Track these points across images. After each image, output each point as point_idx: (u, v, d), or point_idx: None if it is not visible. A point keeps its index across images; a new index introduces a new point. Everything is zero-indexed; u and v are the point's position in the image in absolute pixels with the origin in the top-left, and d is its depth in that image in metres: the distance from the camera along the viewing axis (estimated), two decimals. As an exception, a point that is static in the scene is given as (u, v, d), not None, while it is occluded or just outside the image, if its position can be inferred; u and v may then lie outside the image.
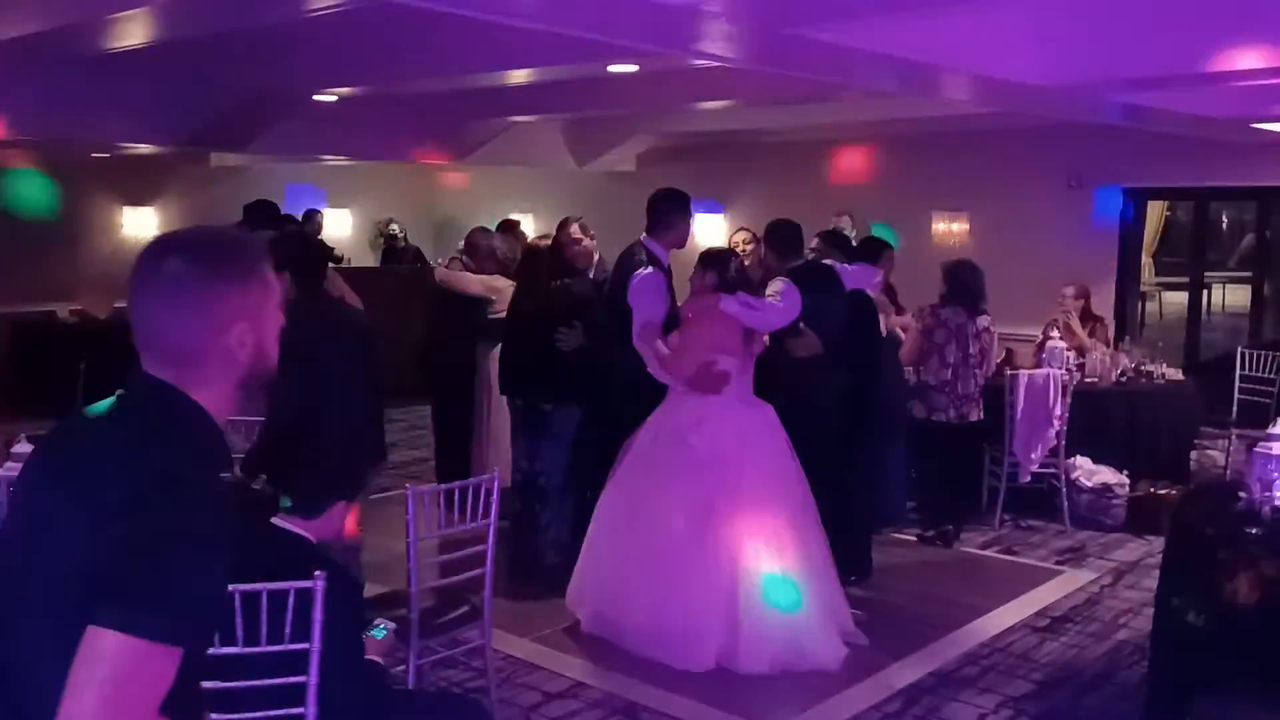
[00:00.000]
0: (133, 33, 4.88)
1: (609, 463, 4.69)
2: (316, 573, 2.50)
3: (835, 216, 8.31)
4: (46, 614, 1.42)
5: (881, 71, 4.55)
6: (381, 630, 2.85)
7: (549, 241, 5.61)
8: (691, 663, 4.24)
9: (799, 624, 4.31)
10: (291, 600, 2.50)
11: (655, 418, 4.57)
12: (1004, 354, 6.87)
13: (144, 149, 8.51)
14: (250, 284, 1.58)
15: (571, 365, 5.00)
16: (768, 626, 4.24)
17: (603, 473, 4.73)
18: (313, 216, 9.86)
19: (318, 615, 2.51)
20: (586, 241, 5.58)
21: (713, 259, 4.61)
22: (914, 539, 6.06)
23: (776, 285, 4.82)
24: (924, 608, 5.03)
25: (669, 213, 4.94)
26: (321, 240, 8.03)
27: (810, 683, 4.23)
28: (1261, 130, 6.45)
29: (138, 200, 10.27)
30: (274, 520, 2.65)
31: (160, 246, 1.57)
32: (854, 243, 6.36)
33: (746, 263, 5.26)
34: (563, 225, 5.60)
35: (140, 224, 10.31)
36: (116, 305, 9.93)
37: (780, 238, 5.16)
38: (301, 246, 4.25)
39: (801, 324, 4.79)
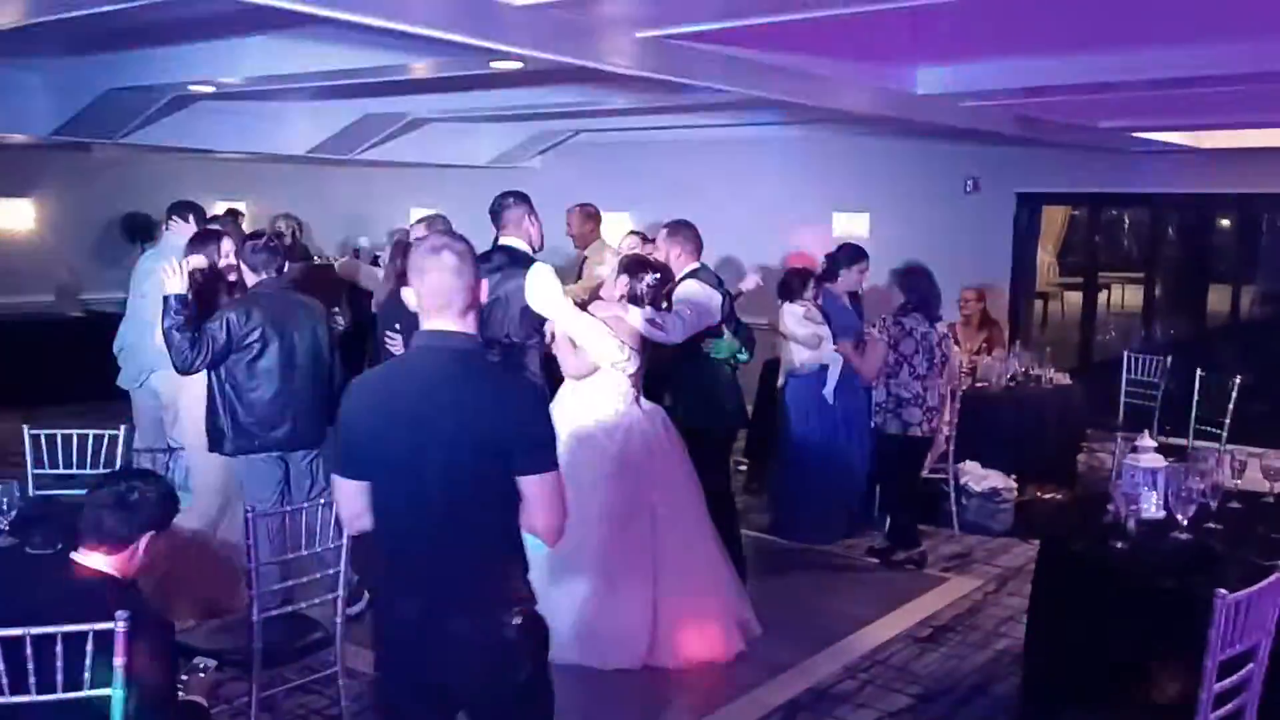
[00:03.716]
0: (2, 14, 4.56)
1: None
2: (118, 613, 2.31)
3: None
4: (480, 476, 2.34)
5: (773, 81, 4.47)
6: (202, 667, 2.67)
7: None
8: (627, 661, 4.30)
9: (703, 620, 4.45)
10: (90, 644, 2.30)
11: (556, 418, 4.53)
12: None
13: (18, 138, 8.06)
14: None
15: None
16: (679, 621, 4.38)
17: None
18: (235, 216, 9.49)
19: (120, 659, 2.32)
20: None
21: (628, 267, 4.62)
22: (859, 555, 5.89)
23: (692, 288, 4.88)
24: (805, 619, 4.97)
25: (503, 211, 4.88)
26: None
27: (683, 702, 4.15)
28: (1146, 139, 6.56)
29: (11, 192, 9.76)
30: (73, 556, 2.45)
31: (437, 244, 2.43)
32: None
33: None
34: (420, 224, 5.47)
35: (15, 216, 9.81)
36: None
37: (688, 234, 5.15)
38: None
39: (724, 326, 4.96)
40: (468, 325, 2.43)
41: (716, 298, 4.99)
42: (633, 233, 6.18)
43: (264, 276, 4.52)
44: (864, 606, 5.13)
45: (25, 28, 4.61)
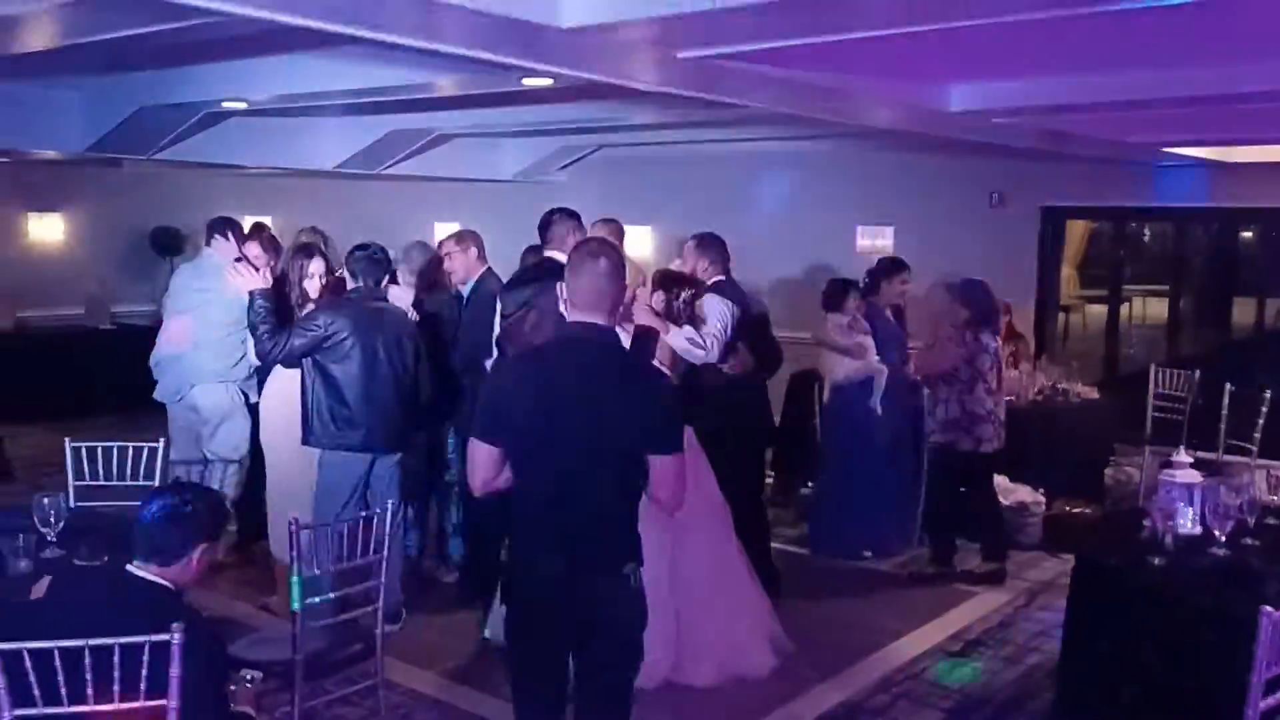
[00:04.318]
0: (32, 36, 4.64)
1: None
2: (174, 625, 2.35)
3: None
4: (620, 450, 2.72)
5: (802, 97, 4.50)
6: (249, 678, 2.71)
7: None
8: (645, 680, 4.19)
9: (737, 634, 4.44)
10: (146, 655, 2.34)
11: None
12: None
13: (49, 154, 8.18)
14: None
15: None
16: (710, 638, 4.33)
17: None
18: (262, 230, 9.54)
19: (175, 670, 2.36)
20: (456, 256, 5.38)
21: (665, 282, 4.65)
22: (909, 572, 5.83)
23: (714, 304, 4.84)
24: (837, 632, 4.98)
25: (549, 229, 4.87)
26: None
27: (716, 717, 4.16)
28: (1173, 154, 6.56)
29: (45, 206, 9.88)
30: (129, 568, 2.49)
31: (595, 250, 2.83)
32: None
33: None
34: (450, 239, 5.50)
35: (47, 231, 9.92)
36: (19, 315, 9.59)
37: (716, 248, 5.14)
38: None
39: (740, 344, 4.87)
40: (612, 322, 2.84)
41: (730, 315, 4.88)
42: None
43: (360, 284, 4.65)
44: (894, 620, 5.13)
45: (60, 47, 4.71)
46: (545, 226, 4.86)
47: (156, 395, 5.61)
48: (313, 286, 4.76)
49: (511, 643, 2.91)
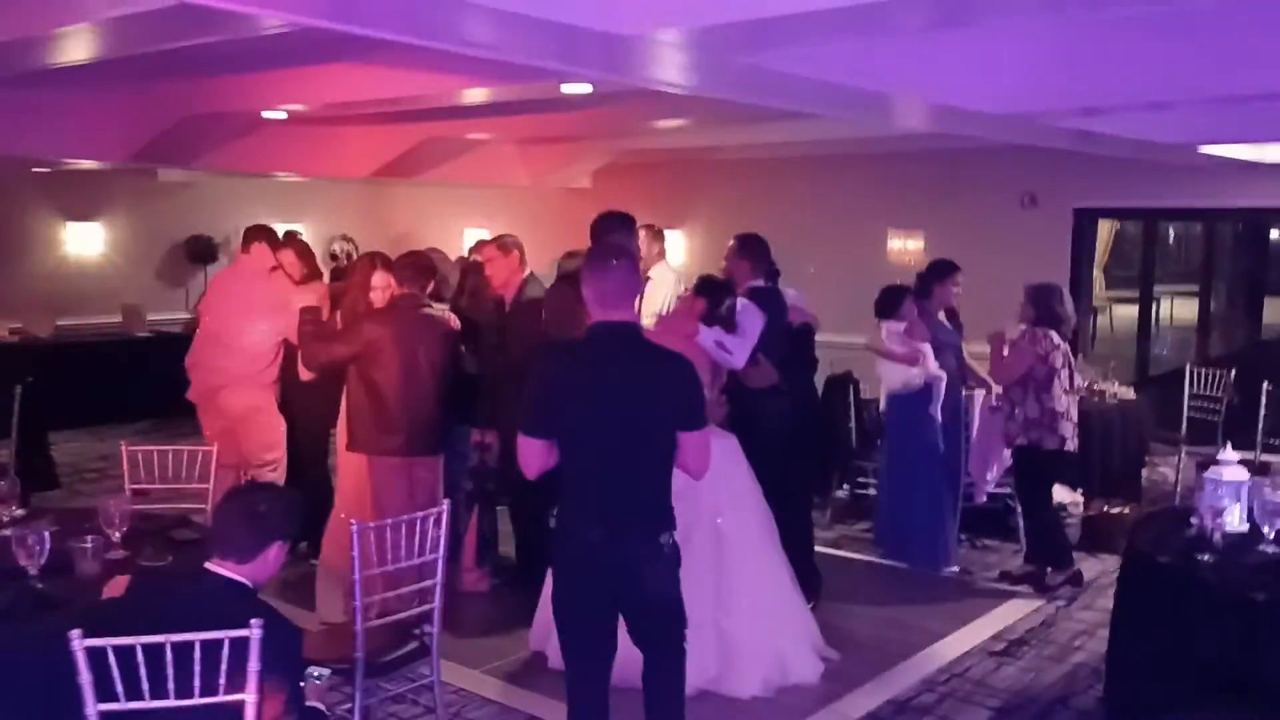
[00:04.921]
0: (76, 50, 4.73)
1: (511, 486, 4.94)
2: (253, 621, 2.41)
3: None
4: (656, 431, 3.08)
5: (835, 99, 4.53)
6: (317, 675, 2.76)
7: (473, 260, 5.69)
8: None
9: (781, 645, 4.42)
10: (226, 650, 2.40)
11: None
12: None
13: (88, 164, 8.31)
14: None
15: (472, 386, 5.11)
16: (755, 650, 4.33)
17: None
18: (293, 237, 9.64)
19: (254, 665, 2.42)
20: (498, 261, 5.38)
21: (708, 288, 4.65)
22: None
23: (748, 313, 4.79)
24: (880, 632, 5.01)
25: (608, 234, 4.86)
26: None
27: (763, 714, 4.19)
28: (1207, 153, 6.55)
29: (82, 215, 10.02)
30: (208, 565, 2.55)
31: (607, 253, 3.25)
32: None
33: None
34: (476, 246, 5.57)
35: (84, 240, 10.06)
36: (59, 323, 9.73)
37: (757, 252, 5.13)
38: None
39: (760, 355, 4.79)
40: (633, 316, 3.23)
41: (760, 321, 4.82)
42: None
43: (406, 291, 4.73)
44: (936, 620, 5.15)
45: (101, 60, 4.80)
46: (595, 233, 4.80)
47: (190, 395, 5.82)
48: (377, 297, 4.83)
49: (559, 605, 3.21)
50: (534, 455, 3.08)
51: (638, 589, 3.10)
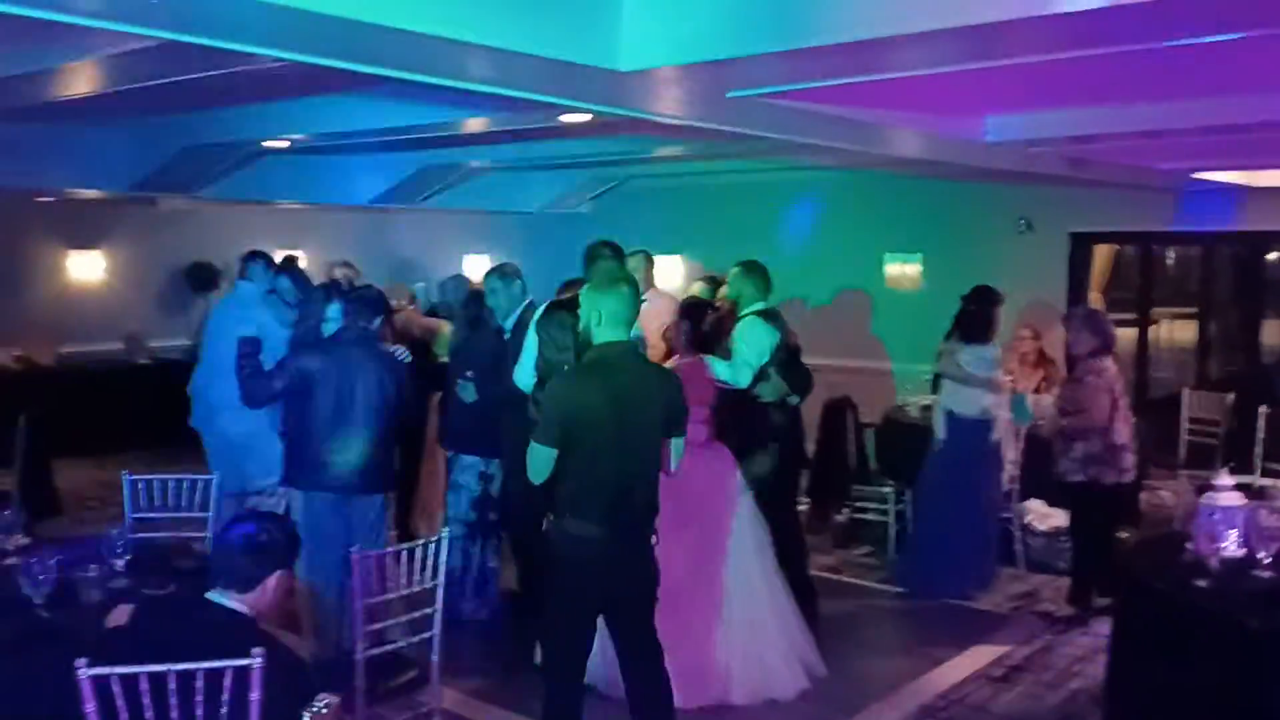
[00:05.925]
0: (78, 84, 4.80)
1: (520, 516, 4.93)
2: (254, 650, 2.43)
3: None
4: (652, 439, 3.51)
5: (832, 131, 4.59)
6: (325, 704, 2.77)
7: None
8: (703, 698, 4.35)
9: (767, 658, 4.50)
10: (229, 680, 2.42)
11: None
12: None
13: (90, 194, 8.37)
14: None
15: (473, 415, 5.12)
16: (741, 659, 4.45)
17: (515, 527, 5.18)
18: (292, 262, 9.70)
19: (255, 694, 2.44)
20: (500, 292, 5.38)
21: (688, 310, 4.85)
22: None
23: (755, 331, 5.01)
24: (879, 657, 5.02)
25: (597, 261, 4.94)
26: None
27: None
28: (1200, 179, 6.61)
29: (84, 244, 10.08)
30: (209, 595, 2.58)
31: (616, 278, 3.62)
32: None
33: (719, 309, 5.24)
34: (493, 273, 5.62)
35: (86, 268, 10.11)
36: (61, 351, 9.76)
37: (759, 277, 5.24)
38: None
39: (770, 369, 4.98)
40: (632, 335, 3.59)
41: (768, 340, 5.05)
42: (705, 278, 6.22)
43: (347, 323, 4.66)
44: (935, 646, 5.16)
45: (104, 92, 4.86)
46: (586, 262, 4.94)
47: (191, 421, 5.87)
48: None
49: (554, 599, 3.53)
50: (542, 464, 3.42)
51: (628, 587, 3.50)
